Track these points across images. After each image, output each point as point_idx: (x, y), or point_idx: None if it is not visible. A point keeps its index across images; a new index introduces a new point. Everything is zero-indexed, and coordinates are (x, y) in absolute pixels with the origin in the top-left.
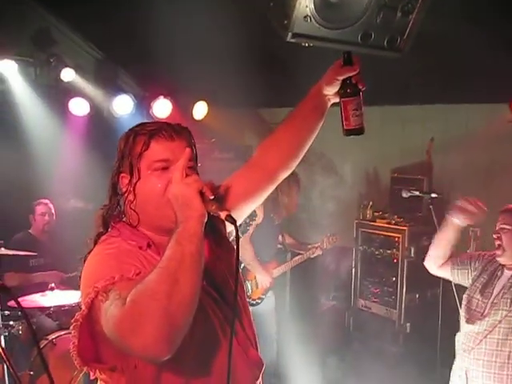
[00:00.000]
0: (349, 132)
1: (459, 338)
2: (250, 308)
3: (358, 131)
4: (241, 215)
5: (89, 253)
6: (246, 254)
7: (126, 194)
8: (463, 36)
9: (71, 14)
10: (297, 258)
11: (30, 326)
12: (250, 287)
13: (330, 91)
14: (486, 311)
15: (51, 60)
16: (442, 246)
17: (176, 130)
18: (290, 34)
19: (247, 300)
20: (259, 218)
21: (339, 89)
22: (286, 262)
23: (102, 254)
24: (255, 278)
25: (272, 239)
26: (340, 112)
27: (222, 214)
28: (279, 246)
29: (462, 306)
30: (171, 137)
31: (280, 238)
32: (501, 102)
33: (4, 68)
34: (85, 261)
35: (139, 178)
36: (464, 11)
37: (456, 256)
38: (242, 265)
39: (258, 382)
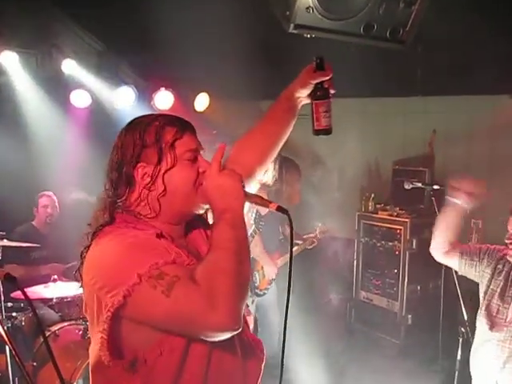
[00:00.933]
0: (318, 132)
1: (481, 347)
2: (257, 298)
3: (327, 131)
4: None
5: (88, 248)
6: (257, 247)
7: (147, 185)
8: (466, 28)
9: (73, 6)
10: (294, 248)
11: (36, 315)
12: (257, 277)
13: (303, 94)
14: (510, 316)
15: (52, 51)
16: (444, 229)
17: (190, 124)
18: (292, 25)
19: (256, 291)
20: (264, 211)
21: (311, 92)
22: (287, 253)
23: (125, 243)
24: (262, 268)
25: (275, 230)
26: (311, 113)
27: (272, 206)
28: (281, 237)
29: (482, 311)
30: (194, 130)
31: (280, 228)
32: (504, 93)
33: (5, 60)
34: (81, 254)
35: (173, 166)
36: (467, 3)
37: (465, 246)
38: (251, 256)
39: (263, 365)
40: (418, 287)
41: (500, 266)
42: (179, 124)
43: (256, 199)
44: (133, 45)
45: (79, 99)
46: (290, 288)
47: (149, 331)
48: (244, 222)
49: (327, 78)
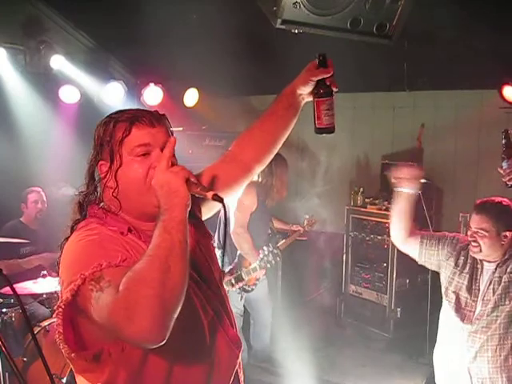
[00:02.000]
0: (320, 130)
1: (449, 337)
2: (245, 294)
3: (329, 130)
4: (216, 207)
5: (66, 239)
6: (245, 244)
7: (105, 181)
8: (452, 22)
9: (61, 2)
10: (283, 241)
11: (24, 311)
12: (245, 275)
13: (305, 91)
14: (478, 309)
15: (41, 47)
16: (398, 218)
17: (155, 116)
18: (279, 20)
19: (244, 287)
20: (253, 206)
21: (313, 89)
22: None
23: (85, 241)
24: (249, 265)
25: (264, 225)
26: (313, 111)
27: (209, 194)
28: (269, 231)
29: (450, 303)
30: (151, 123)
31: (270, 223)
32: (491, 88)
33: None
34: (62, 247)
35: (121, 164)
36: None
37: (424, 233)
38: (238, 252)
39: (238, 361)
40: (407, 281)
41: (463, 258)
42: (132, 119)
43: (197, 189)
44: (122, 40)
45: (68, 95)
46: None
47: None
48: (183, 224)
49: (329, 75)
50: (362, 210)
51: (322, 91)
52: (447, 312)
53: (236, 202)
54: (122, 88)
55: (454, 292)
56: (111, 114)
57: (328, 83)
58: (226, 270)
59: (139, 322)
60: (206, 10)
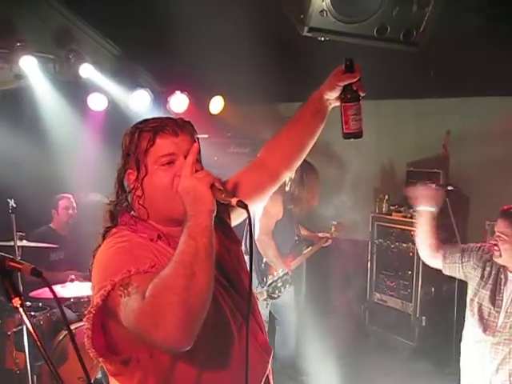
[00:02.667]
0: (348, 135)
1: (472, 348)
2: (272, 301)
3: (357, 135)
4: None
5: (98, 247)
6: (270, 251)
7: (133, 190)
8: (480, 29)
9: (90, 12)
10: (309, 249)
11: (62, 310)
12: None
13: (332, 96)
14: (501, 320)
15: (70, 56)
16: (422, 237)
17: (179, 124)
18: (306, 28)
19: (271, 294)
20: (279, 215)
21: (340, 94)
22: (301, 254)
23: (115, 248)
24: (275, 272)
25: (291, 232)
26: (340, 116)
27: (233, 201)
28: (295, 238)
29: (474, 314)
30: (175, 132)
31: (296, 230)
32: None
33: (25, 64)
34: (94, 255)
35: (146, 174)
36: (481, 4)
37: (448, 247)
38: (264, 260)
39: (269, 366)
40: (432, 289)
41: (488, 269)
42: (156, 129)
43: (221, 196)
44: (149, 49)
45: (96, 102)
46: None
47: None
48: (208, 230)
49: (356, 79)
50: (387, 217)
51: (349, 96)
52: (470, 323)
53: (262, 209)
54: (148, 95)
55: (477, 303)
56: (136, 124)
57: (355, 88)
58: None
59: (164, 328)
60: (231, 18)
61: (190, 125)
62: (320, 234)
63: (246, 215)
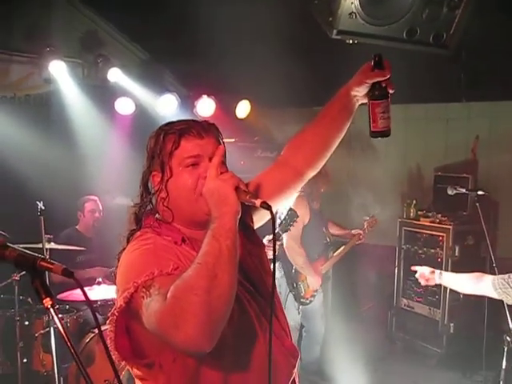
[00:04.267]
0: (375, 134)
1: None
2: (302, 307)
3: (385, 133)
4: (268, 215)
5: (123, 250)
6: (299, 258)
7: (158, 192)
8: (509, 32)
9: (118, 17)
10: (341, 249)
11: (93, 310)
12: (302, 288)
13: (359, 93)
14: None
15: (98, 61)
16: (466, 289)
17: (204, 127)
18: (335, 30)
19: (302, 300)
20: (306, 218)
21: (368, 91)
22: (333, 256)
23: (140, 250)
24: (306, 278)
25: (319, 235)
26: (368, 114)
27: (257, 202)
28: (325, 240)
29: None
30: (200, 134)
31: (325, 231)
32: None
33: (54, 69)
34: (119, 258)
35: (171, 176)
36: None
37: (493, 278)
38: (294, 267)
39: (295, 371)
40: (461, 295)
41: None
42: (180, 131)
43: (246, 197)
44: (175, 53)
45: (124, 106)
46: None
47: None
48: (232, 232)
49: (385, 78)
50: (415, 222)
51: (377, 93)
52: None
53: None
54: (175, 100)
55: None
56: (162, 126)
57: (384, 85)
58: None
59: (185, 330)
60: (259, 21)
61: (215, 127)
62: (353, 231)
63: (269, 217)
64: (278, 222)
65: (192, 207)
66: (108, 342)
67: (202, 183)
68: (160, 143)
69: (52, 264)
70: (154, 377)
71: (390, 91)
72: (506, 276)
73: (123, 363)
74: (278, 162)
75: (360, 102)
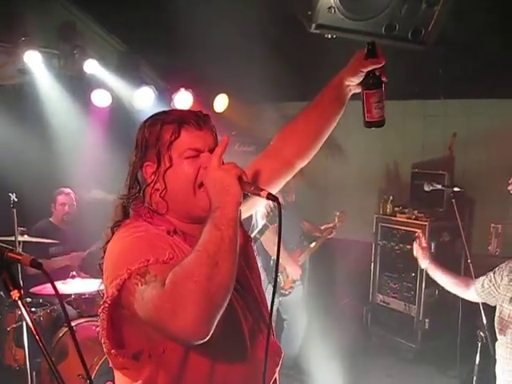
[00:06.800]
0: (370, 124)
1: (497, 350)
2: (282, 298)
3: (380, 123)
4: (257, 204)
5: (108, 241)
6: (275, 247)
7: (151, 183)
8: (488, 30)
9: (95, 7)
10: (315, 242)
11: (63, 305)
12: (281, 279)
13: (353, 82)
14: None
15: (75, 52)
16: (444, 282)
17: (201, 118)
18: (313, 25)
19: (281, 292)
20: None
21: (362, 80)
22: (308, 248)
23: (132, 237)
24: (285, 269)
25: (295, 227)
26: (362, 104)
27: (263, 193)
28: (300, 233)
29: (496, 317)
30: (199, 125)
31: (301, 225)
32: None
33: (29, 59)
34: (105, 250)
35: (170, 167)
36: (490, 5)
37: (474, 283)
38: (272, 257)
39: (278, 369)
40: (436, 291)
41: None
42: (180, 122)
43: (250, 189)
44: (153, 46)
45: (100, 99)
46: (276, 278)
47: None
48: (234, 221)
49: (380, 65)
50: (392, 218)
51: (371, 82)
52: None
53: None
54: (152, 92)
55: (499, 305)
56: (155, 116)
57: (378, 74)
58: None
59: (184, 316)
60: (237, 15)
61: (209, 118)
62: (323, 227)
63: (253, 210)
64: (266, 212)
65: (189, 200)
66: (100, 330)
67: (201, 175)
68: (157, 133)
69: (20, 255)
70: (139, 368)
71: (385, 80)
72: (491, 273)
73: (113, 352)
74: (267, 152)
75: (353, 92)
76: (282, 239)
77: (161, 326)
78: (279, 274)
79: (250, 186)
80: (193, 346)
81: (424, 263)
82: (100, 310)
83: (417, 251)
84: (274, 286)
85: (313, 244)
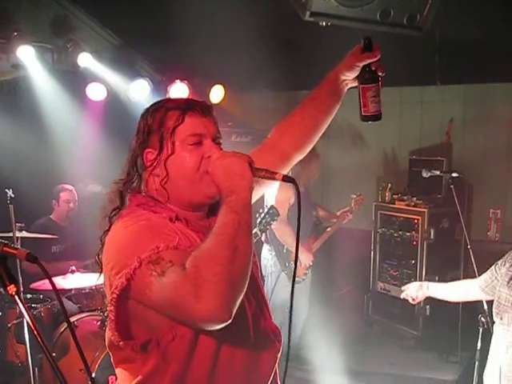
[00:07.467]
0: (366, 118)
1: (494, 335)
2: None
3: (376, 117)
4: (254, 196)
5: (107, 231)
6: (287, 236)
7: (152, 170)
8: (484, 15)
9: (88, 1)
10: (330, 228)
11: (61, 301)
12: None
13: (349, 76)
14: None
15: (68, 45)
16: (455, 297)
17: (205, 106)
18: (308, 12)
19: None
20: (291, 199)
21: (358, 74)
22: (323, 234)
23: (136, 226)
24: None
25: (307, 216)
26: (358, 98)
27: (278, 176)
28: (314, 219)
29: (494, 301)
30: (203, 112)
31: (314, 212)
32: None
33: (22, 54)
34: (102, 240)
35: (172, 153)
36: None
37: (478, 280)
38: (285, 247)
39: (279, 355)
40: (436, 278)
41: None
42: (184, 108)
43: (262, 173)
44: (148, 38)
45: (95, 92)
46: (296, 263)
47: (159, 315)
48: (249, 206)
49: (375, 59)
50: (390, 206)
51: (367, 76)
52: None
53: (273, 197)
54: (147, 85)
55: (498, 290)
56: (158, 103)
57: (374, 68)
58: None
59: (207, 300)
60: (232, 5)
61: (212, 108)
62: (338, 213)
63: (257, 197)
64: (258, 219)
65: (193, 187)
66: (108, 322)
67: (205, 163)
68: (160, 118)
69: (16, 249)
70: (144, 359)
71: (381, 74)
72: (492, 267)
73: (121, 343)
74: (264, 145)
75: (349, 86)
76: (293, 227)
77: (181, 311)
78: (292, 261)
79: (261, 171)
80: (203, 330)
81: (426, 295)
82: (108, 301)
83: (416, 300)
84: (294, 274)
85: (328, 229)
